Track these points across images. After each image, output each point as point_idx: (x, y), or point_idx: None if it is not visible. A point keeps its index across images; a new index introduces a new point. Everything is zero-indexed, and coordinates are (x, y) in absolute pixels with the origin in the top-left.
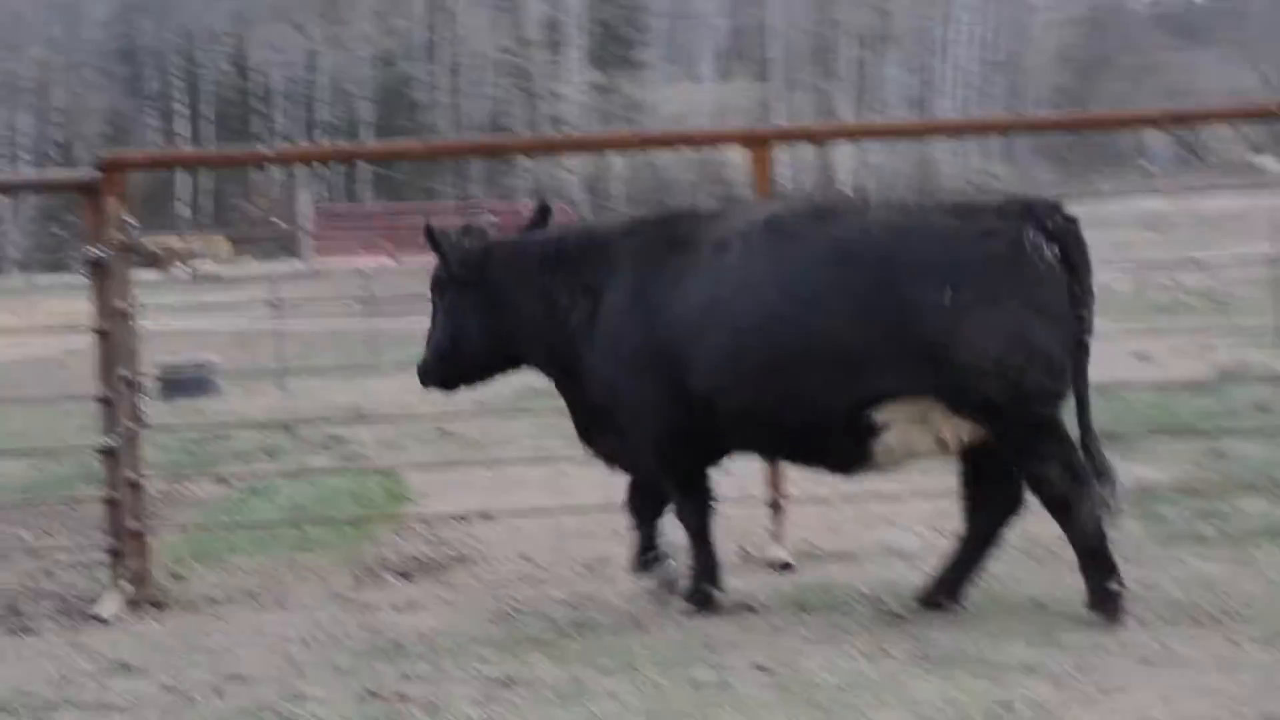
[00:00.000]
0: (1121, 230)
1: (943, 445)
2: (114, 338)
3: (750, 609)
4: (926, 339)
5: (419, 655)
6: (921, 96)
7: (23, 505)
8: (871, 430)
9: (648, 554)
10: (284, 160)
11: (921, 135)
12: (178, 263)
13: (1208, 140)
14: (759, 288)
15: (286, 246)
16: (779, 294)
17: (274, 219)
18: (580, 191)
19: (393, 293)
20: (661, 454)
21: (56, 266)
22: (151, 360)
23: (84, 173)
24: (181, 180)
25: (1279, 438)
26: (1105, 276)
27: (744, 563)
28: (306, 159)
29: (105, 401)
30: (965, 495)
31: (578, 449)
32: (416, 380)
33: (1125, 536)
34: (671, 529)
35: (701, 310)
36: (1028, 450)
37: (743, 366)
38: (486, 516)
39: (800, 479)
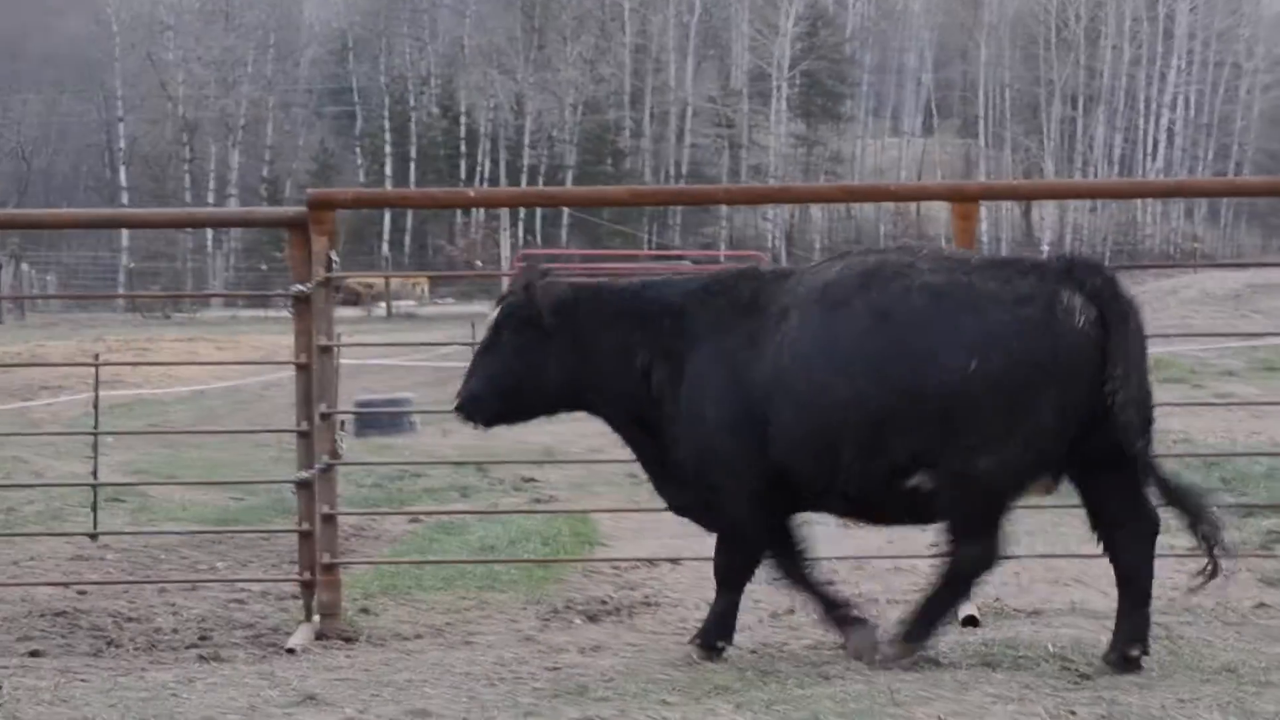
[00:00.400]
0: None
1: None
2: (314, 372)
3: (937, 664)
4: (947, 405)
5: (603, 698)
6: (1127, 156)
7: (218, 535)
8: (918, 495)
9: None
10: (486, 203)
11: (1129, 196)
12: (378, 301)
13: None
14: (809, 357)
15: (486, 289)
16: (825, 363)
17: (475, 261)
18: (778, 241)
19: None
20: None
21: (259, 301)
22: (349, 396)
23: (292, 210)
24: (385, 219)
25: None
26: None
27: None
28: (509, 203)
29: (303, 435)
30: (1100, 533)
31: None
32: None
33: None
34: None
35: (768, 380)
36: (968, 528)
37: (797, 434)
38: (673, 562)
39: None
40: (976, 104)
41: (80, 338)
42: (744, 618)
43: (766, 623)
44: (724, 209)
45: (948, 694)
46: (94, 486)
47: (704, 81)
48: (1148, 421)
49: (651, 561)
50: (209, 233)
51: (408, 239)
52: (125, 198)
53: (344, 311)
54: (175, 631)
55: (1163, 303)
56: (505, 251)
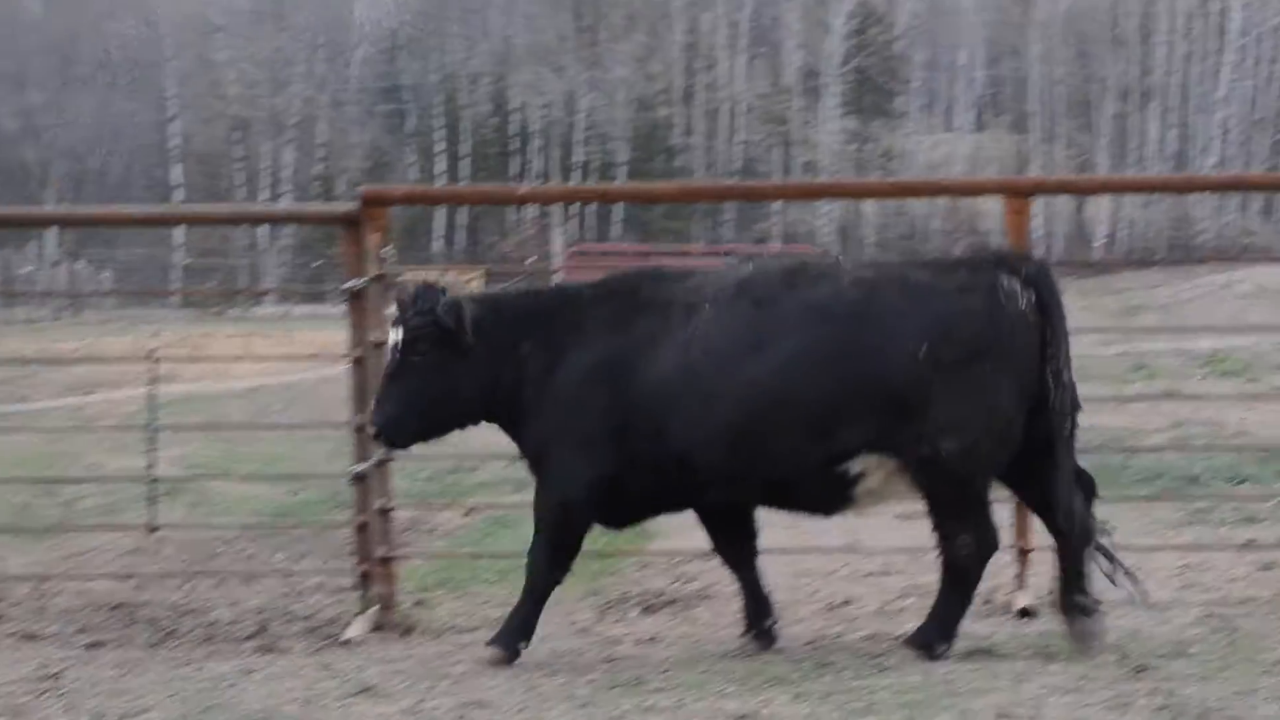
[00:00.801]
0: None
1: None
2: (368, 366)
3: (994, 655)
4: (898, 390)
5: (659, 689)
6: (1181, 152)
7: (275, 529)
8: (847, 480)
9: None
10: (538, 199)
11: (1183, 191)
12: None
13: None
14: (728, 352)
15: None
16: (751, 358)
17: (527, 256)
18: (831, 236)
19: None
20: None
21: (313, 297)
22: None
23: (345, 207)
24: (438, 216)
25: None
26: None
27: (988, 609)
28: (561, 198)
29: (358, 429)
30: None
31: None
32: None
33: None
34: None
35: (669, 375)
36: (952, 513)
37: (709, 425)
38: None
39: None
40: (1029, 100)
41: (136, 334)
42: (800, 609)
43: (822, 614)
44: (776, 205)
45: (1004, 685)
46: (151, 480)
47: (755, 78)
48: (1075, 405)
49: (707, 554)
50: (263, 230)
51: (460, 236)
52: (179, 196)
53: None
54: (233, 623)
55: (1217, 297)
56: (557, 248)
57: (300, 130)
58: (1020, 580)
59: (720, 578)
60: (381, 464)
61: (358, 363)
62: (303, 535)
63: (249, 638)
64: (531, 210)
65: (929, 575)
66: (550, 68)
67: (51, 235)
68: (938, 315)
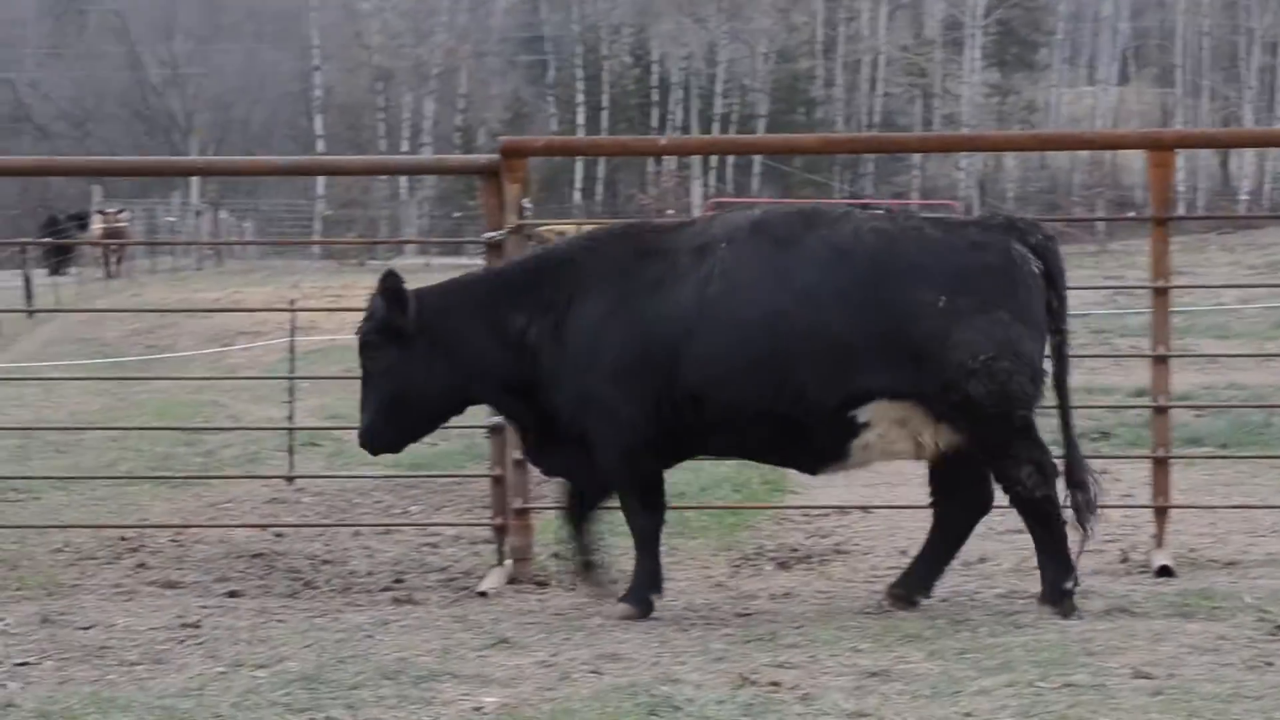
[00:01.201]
0: None
1: (919, 448)
2: None
3: (1131, 614)
4: (918, 340)
5: (793, 644)
6: None
7: (412, 480)
8: (855, 427)
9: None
10: (678, 151)
11: None
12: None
13: None
14: (751, 287)
15: None
16: (777, 292)
17: (666, 209)
18: (971, 190)
19: None
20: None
21: (452, 248)
22: None
23: (485, 157)
24: (577, 168)
25: None
26: None
27: (1126, 567)
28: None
29: None
30: (936, 499)
31: None
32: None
33: None
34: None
35: (687, 313)
36: (1003, 452)
37: (733, 360)
38: (865, 510)
39: (1188, 488)
40: (1174, 52)
41: (277, 284)
42: None
43: (958, 571)
44: (916, 158)
45: (1142, 644)
46: (290, 431)
47: (897, 30)
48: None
49: (843, 509)
50: (403, 181)
51: (599, 188)
52: (321, 147)
53: None
54: (370, 574)
55: None
56: (696, 200)
57: (441, 81)
58: (1159, 539)
59: (855, 533)
60: None
61: None
62: (440, 487)
63: (385, 589)
64: (671, 162)
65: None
66: (691, 19)
67: (195, 185)
68: (957, 268)
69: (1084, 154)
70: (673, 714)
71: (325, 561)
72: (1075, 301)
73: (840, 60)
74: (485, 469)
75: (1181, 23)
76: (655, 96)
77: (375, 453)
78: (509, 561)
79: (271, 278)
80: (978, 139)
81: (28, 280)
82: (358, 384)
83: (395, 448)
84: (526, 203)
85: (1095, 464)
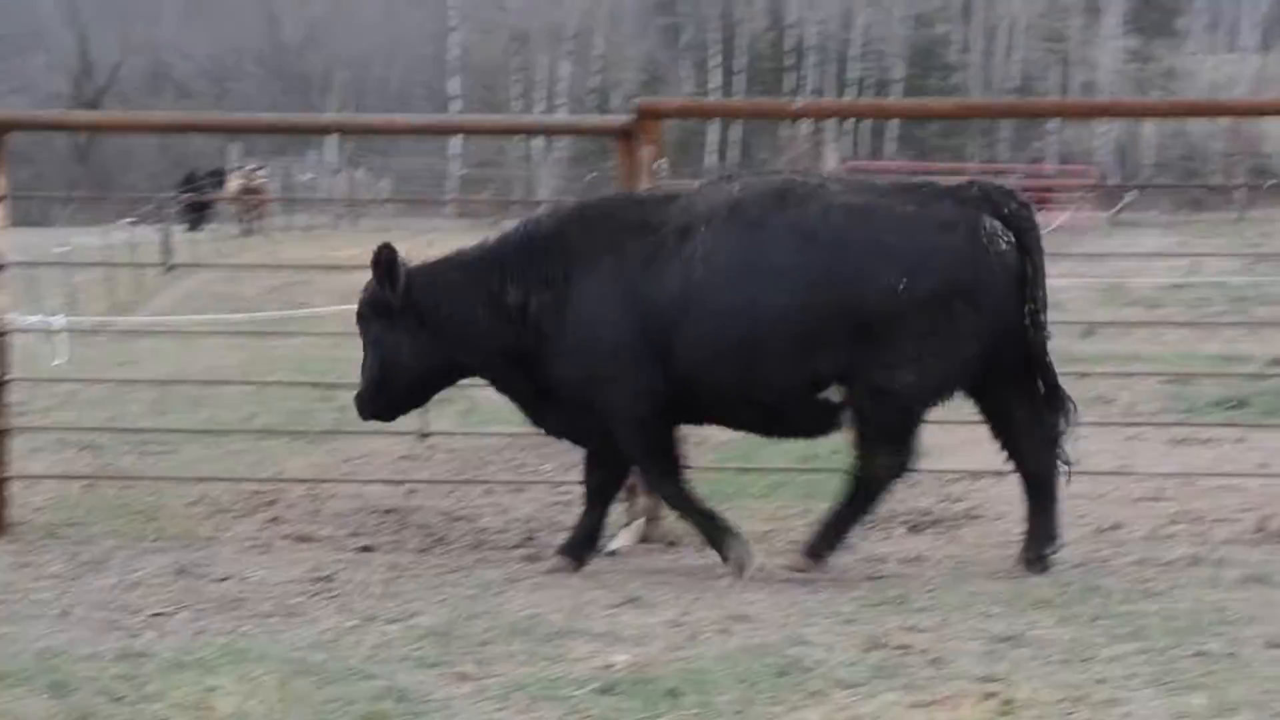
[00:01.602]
0: None
1: None
2: None
3: (1267, 584)
4: (875, 324)
5: (924, 608)
6: None
7: (545, 439)
8: (829, 408)
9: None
10: (811, 114)
11: None
12: None
13: None
14: (728, 270)
15: None
16: (749, 277)
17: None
18: (1108, 156)
19: None
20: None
21: None
22: None
23: (620, 119)
24: (711, 130)
25: None
26: None
27: (1262, 536)
28: (835, 114)
29: None
30: (1006, 443)
31: (1095, 413)
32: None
33: None
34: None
35: (675, 294)
36: (880, 435)
37: (717, 345)
38: (998, 475)
39: None
40: None
41: (413, 243)
42: (1069, 532)
43: (1090, 539)
44: (1053, 124)
45: (1277, 613)
46: None
47: None
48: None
49: (975, 474)
50: (538, 141)
51: (733, 151)
52: (456, 107)
53: None
54: (501, 531)
55: None
56: (831, 164)
57: (577, 43)
58: None
59: (987, 498)
60: None
61: None
62: (572, 446)
63: (517, 546)
64: (805, 126)
65: (1201, 501)
66: None
67: (332, 143)
68: (920, 251)
69: (1223, 121)
70: (802, 675)
71: (457, 518)
72: (1213, 268)
73: (977, 25)
74: None
75: None
76: (790, 61)
77: (366, 419)
78: (639, 521)
79: (407, 236)
80: (1115, 105)
81: (166, 236)
82: None
83: (385, 416)
84: (662, 164)
85: (1232, 433)
